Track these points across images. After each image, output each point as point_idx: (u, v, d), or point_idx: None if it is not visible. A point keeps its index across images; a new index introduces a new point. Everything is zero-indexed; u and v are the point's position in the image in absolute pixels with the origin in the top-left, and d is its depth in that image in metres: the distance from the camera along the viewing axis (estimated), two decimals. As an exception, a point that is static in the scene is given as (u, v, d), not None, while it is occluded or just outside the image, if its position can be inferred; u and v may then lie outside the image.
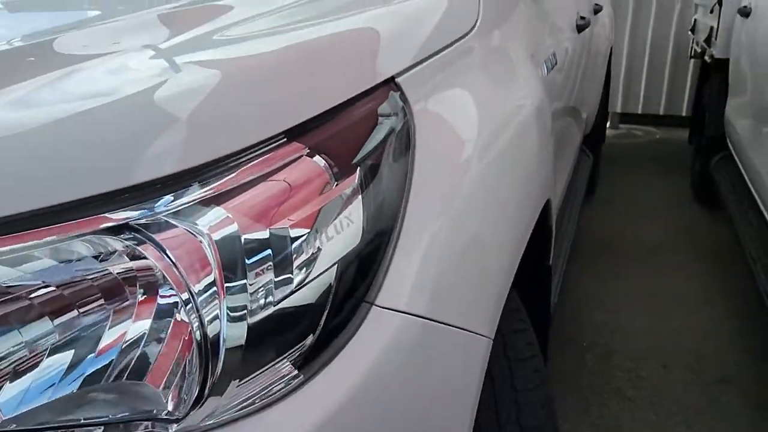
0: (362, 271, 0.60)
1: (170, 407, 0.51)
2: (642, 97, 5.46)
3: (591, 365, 2.17)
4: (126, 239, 0.50)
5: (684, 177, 4.05)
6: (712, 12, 3.45)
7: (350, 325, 0.59)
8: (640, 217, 3.52)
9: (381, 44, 0.74)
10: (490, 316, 0.78)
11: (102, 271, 0.49)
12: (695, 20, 4.35)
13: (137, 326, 0.51)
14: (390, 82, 0.72)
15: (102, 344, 0.51)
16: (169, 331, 0.51)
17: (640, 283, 2.74)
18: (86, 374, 0.51)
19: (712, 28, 3.49)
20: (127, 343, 0.51)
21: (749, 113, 2.69)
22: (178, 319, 0.51)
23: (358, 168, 0.62)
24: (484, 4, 1.08)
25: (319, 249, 0.56)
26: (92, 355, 0.51)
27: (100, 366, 0.51)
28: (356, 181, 0.61)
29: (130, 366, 0.50)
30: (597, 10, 2.95)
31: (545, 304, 1.52)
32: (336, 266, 0.57)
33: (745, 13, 2.90)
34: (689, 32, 4.56)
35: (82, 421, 0.51)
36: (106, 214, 0.49)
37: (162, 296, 0.51)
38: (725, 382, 2.07)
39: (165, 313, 0.51)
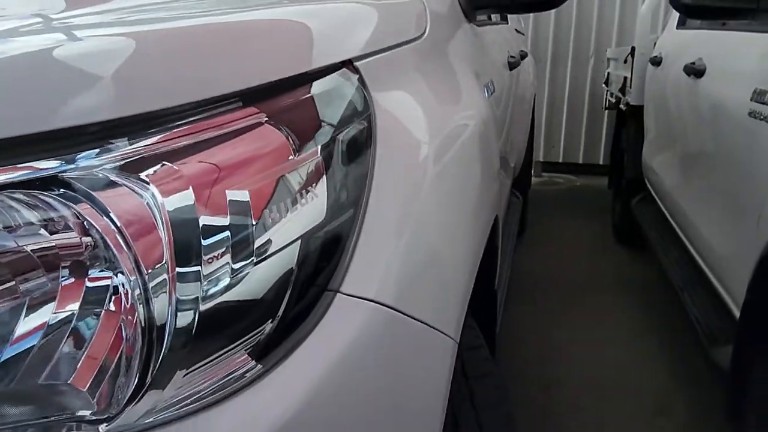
0: (326, 253, 0.54)
1: (99, 405, 0.42)
2: (562, 147, 5.71)
3: (535, 397, 2.14)
4: (56, 196, 0.41)
5: (605, 220, 4.22)
6: (626, 62, 3.67)
7: (313, 313, 0.52)
8: (568, 257, 3.60)
9: (340, 27, 0.71)
10: (455, 317, 0.72)
11: (22, 235, 0.41)
12: (608, 73, 4.63)
13: (64, 308, 0.43)
14: (349, 64, 0.68)
15: (17, 332, 0.42)
16: (103, 314, 0.43)
17: (576, 318, 2.77)
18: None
19: (626, 78, 3.71)
20: (52, 329, 0.42)
21: (664, 154, 2.84)
22: (118, 300, 0.43)
23: (321, 143, 0.56)
24: (431, 16, 1.08)
25: (280, 222, 0.50)
26: (5, 345, 0.42)
27: (14, 357, 0.42)
28: (319, 155, 0.55)
29: (56, 356, 0.42)
30: (523, 56, 3.07)
31: (492, 330, 1.48)
32: (299, 243, 0.51)
33: (656, 62, 3.10)
34: (603, 85, 4.84)
35: None
36: (31, 163, 0.41)
37: (96, 274, 0.43)
38: (662, 415, 2.08)
39: (98, 292, 0.43)
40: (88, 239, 0.43)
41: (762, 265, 1.36)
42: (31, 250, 0.42)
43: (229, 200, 0.47)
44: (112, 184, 0.43)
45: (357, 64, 0.69)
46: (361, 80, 0.68)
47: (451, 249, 0.75)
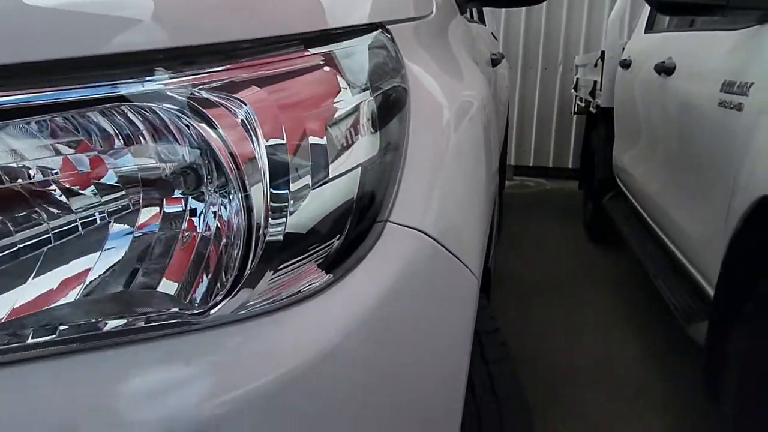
0: (379, 184, 0.60)
1: (198, 299, 0.47)
2: (533, 150, 5.87)
3: (517, 384, 2.21)
4: (168, 110, 0.46)
5: (575, 221, 4.35)
6: (596, 66, 3.82)
7: (370, 236, 0.58)
8: (542, 256, 3.71)
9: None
10: (478, 257, 0.79)
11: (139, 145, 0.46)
12: (577, 79, 4.79)
13: (177, 218, 0.48)
14: (381, 27, 0.74)
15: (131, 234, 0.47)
16: (211, 223, 0.48)
17: (552, 312, 2.87)
18: (106, 272, 0.46)
19: (595, 82, 3.86)
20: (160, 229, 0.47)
21: (634, 151, 2.97)
22: (219, 209, 0.48)
23: (370, 88, 0.62)
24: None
25: (346, 151, 0.55)
26: (119, 246, 0.46)
27: (124, 260, 0.47)
28: (371, 96, 0.61)
29: (173, 251, 0.47)
30: (502, 56, 3.18)
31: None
32: (359, 170, 0.57)
33: (625, 65, 3.24)
34: (572, 90, 5.00)
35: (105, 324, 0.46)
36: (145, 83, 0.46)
37: (205, 182, 0.48)
38: (642, 396, 2.17)
39: (205, 204, 0.49)
40: (197, 153, 0.48)
41: (736, 238, 1.46)
42: (143, 166, 0.47)
43: (307, 127, 0.52)
44: (214, 103, 0.48)
45: (389, 27, 0.75)
46: (393, 41, 0.74)
47: (467, 191, 0.81)
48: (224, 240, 0.48)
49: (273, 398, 0.46)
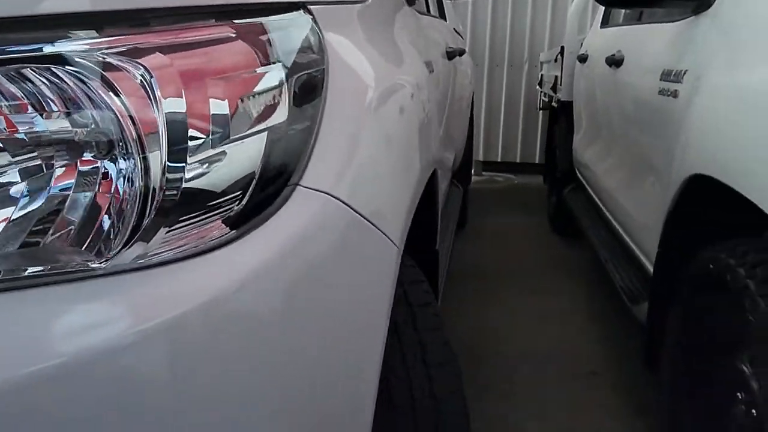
0: (288, 150, 0.64)
1: (103, 249, 0.51)
2: (500, 146, 5.95)
3: (473, 372, 2.26)
4: (71, 71, 0.50)
5: (541, 214, 4.44)
6: (556, 61, 3.91)
7: (279, 198, 0.62)
8: (507, 247, 3.78)
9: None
10: (399, 228, 0.83)
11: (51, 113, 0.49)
12: (541, 75, 4.89)
13: (72, 176, 0.51)
14: (303, 7, 0.78)
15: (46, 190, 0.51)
16: (102, 179, 0.52)
17: (514, 300, 2.93)
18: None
19: (556, 77, 3.94)
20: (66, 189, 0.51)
21: (590, 143, 3.06)
22: (116, 171, 0.52)
23: (281, 62, 0.66)
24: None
25: (249, 115, 0.59)
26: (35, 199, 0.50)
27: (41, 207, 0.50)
28: (281, 69, 0.65)
29: (83, 204, 0.50)
30: (461, 52, 3.24)
31: (435, 290, 1.59)
32: (265, 135, 0.61)
33: (582, 59, 3.32)
34: (537, 86, 5.09)
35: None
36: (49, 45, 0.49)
37: (100, 150, 0.52)
38: (595, 375, 2.25)
39: (95, 167, 0.52)
40: (87, 118, 0.51)
41: (670, 218, 1.53)
42: (53, 130, 0.51)
43: (209, 94, 0.56)
44: (116, 67, 0.51)
45: (311, 8, 0.79)
46: (315, 20, 0.78)
47: (390, 165, 0.86)
48: (124, 198, 0.51)
49: (166, 337, 0.50)
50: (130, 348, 0.48)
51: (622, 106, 2.32)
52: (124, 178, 0.52)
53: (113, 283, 0.51)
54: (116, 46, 0.52)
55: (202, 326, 0.52)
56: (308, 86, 0.70)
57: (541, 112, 5.40)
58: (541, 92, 4.83)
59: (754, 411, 1.15)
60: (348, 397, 0.72)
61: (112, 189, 0.52)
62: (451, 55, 2.42)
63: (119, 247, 0.52)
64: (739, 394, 1.21)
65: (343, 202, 0.68)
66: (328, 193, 0.66)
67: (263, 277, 0.56)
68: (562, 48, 3.77)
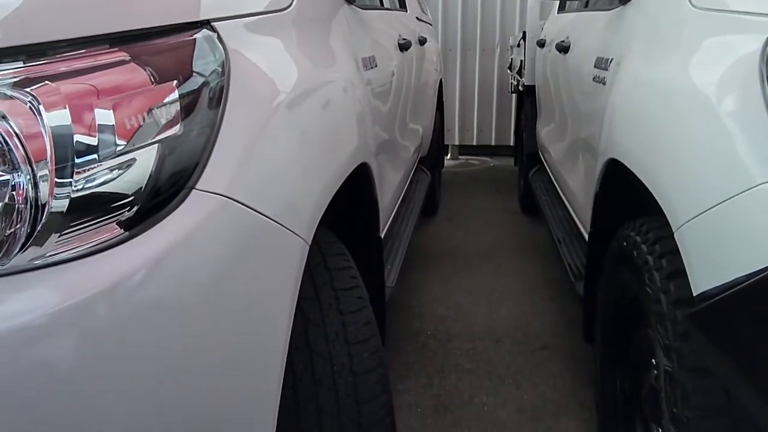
0: (182, 158, 0.73)
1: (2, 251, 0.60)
2: (475, 130, 6.04)
3: (433, 349, 2.37)
4: None
5: (512, 195, 4.55)
6: (519, 46, 3.98)
7: (173, 202, 0.71)
8: (476, 229, 3.89)
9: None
10: (306, 221, 0.92)
11: None
12: (512, 59, 4.96)
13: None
14: (206, 25, 0.86)
15: None
16: (6, 195, 0.60)
17: (477, 281, 3.04)
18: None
19: (521, 61, 4.02)
20: None
21: (548, 125, 3.15)
22: (13, 185, 0.61)
23: (177, 79, 0.75)
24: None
25: (140, 131, 0.68)
26: None
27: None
28: (175, 87, 0.73)
29: None
30: (422, 41, 3.31)
31: (380, 278, 1.68)
32: (156, 147, 0.69)
33: (541, 44, 3.41)
34: (508, 69, 5.17)
35: None
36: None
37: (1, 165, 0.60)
38: (546, 349, 2.36)
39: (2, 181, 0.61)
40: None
41: (596, 199, 1.63)
42: None
43: (96, 112, 0.64)
44: (7, 96, 0.60)
45: (215, 24, 0.87)
46: (219, 37, 0.86)
47: (300, 164, 0.94)
48: (18, 207, 0.60)
49: (66, 323, 0.59)
50: (32, 332, 0.58)
51: (568, 91, 2.41)
52: (19, 190, 0.60)
53: (12, 281, 0.59)
54: (12, 78, 0.60)
55: (93, 315, 0.61)
56: (205, 98, 0.78)
57: (513, 95, 5.47)
58: (512, 75, 4.91)
59: (660, 375, 1.25)
60: (249, 386, 0.81)
61: (6, 199, 0.60)
62: (405, 46, 2.49)
63: (16, 251, 0.61)
64: (652, 360, 1.32)
65: (240, 202, 0.77)
66: (223, 195, 0.75)
67: (153, 269, 0.65)
68: (524, 33, 3.84)
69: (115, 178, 0.65)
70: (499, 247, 3.54)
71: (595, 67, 1.88)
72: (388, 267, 2.02)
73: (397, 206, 2.52)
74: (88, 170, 0.63)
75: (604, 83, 1.75)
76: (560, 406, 1.99)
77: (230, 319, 0.76)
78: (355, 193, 1.41)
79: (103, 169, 0.64)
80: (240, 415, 0.78)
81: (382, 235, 1.72)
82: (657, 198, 1.14)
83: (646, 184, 1.19)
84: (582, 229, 2.15)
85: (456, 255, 3.41)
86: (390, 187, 2.11)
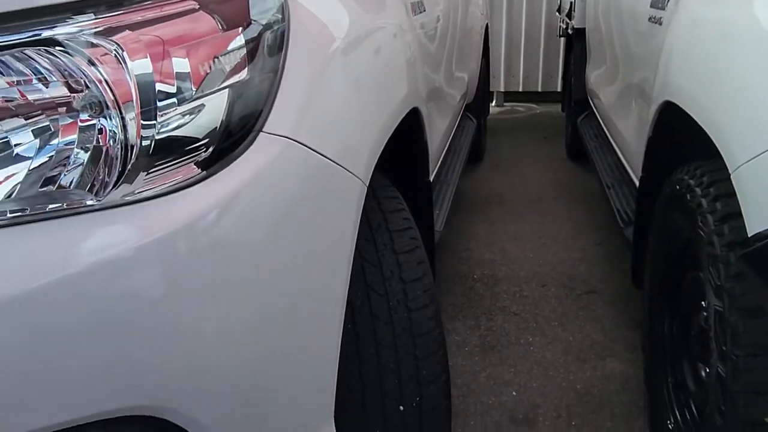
0: (250, 102, 0.77)
1: (98, 191, 0.66)
2: (521, 76, 5.90)
3: (480, 292, 2.42)
4: (61, 53, 0.63)
5: (559, 142, 4.48)
6: (569, -14, 3.85)
7: (242, 145, 0.75)
8: (522, 176, 3.87)
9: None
10: (364, 162, 0.96)
11: (47, 82, 0.63)
12: (560, 1, 4.79)
13: (68, 135, 0.65)
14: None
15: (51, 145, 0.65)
16: (97, 136, 0.66)
17: (523, 226, 3.05)
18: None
19: (571, 3, 3.89)
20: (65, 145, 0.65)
21: (598, 69, 3.07)
22: (106, 127, 0.66)
23: (242, 25, 0.78)
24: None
25: (211, 75, 0.72)
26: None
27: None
28: (241, 33, 0.77)
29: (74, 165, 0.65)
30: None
31: (429, 222, 1.72)
32: (227, 92, 0.73)
33: (594, -16, 3.28)
34: (556, 12, 5.00)
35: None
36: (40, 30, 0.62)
37: (88, 113, 0.65)
38: (593, 293, 2.38)
39: (91, 125, 0.66)
40: (81, 86, 0.65)
41: (650, 143, 1.61)
42: (55, 96, 0.64)
43: (173, 59, 0.68)
44: (94, 45, 0.64)
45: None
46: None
47: (356, 108, 0.97)
48: (111, 149, 0.66)
49: (151, 256, 0.65)
50: (124, 262, 0.64)
51: (621, 33, 2.34)
52: (110, 133, 0.65)
53: (108, 216, 0.65)
54: (94, 28, 0.65)
55: (179, 247, 0.66)
56: (269, 44, 0.81)
57: (561, 39, 5.31)
58: (561, 18, 4.76)
59: (710, 316, 1.27)
60: (313, 321, 0.86)
61: (101, 142, 0.66)
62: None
63: (110, 188, 0.66)
64: (702, 302, 1.33)
65: (303, 144, 0.81)
66: (288, 137, 0.79)
67: (229, 206, 0.70)
68: (575, -28, 3.70)
69: (191, 121, 0.70)
70: (546, 193, 3.53)
71: (651, 6, 1.82)
72: (436, 211, 2.05)
73: (444, 152, 2.54)
74: (169, 114, 0.68)
75: (660, 23, 1.70)
76: (606, 348, 2.03)
77: (296, 254, 0.81)
78: (406, 138, 1.44)
79: (181, 113, 0.69)
80: (307, 341, 0.84)
81: (431, 180, 1.75)
82: (714, 140, 1.13)
83: (702, 126, 1.17)
84: (632, 175, 2.13)
85: (502, 201, 3.42)
86: (438, 133, 2.13)
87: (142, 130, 0.66)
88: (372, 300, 1.09)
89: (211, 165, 0.72)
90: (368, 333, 1.07)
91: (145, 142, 0.67)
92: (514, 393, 1.83)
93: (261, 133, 0.77)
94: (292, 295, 0.80)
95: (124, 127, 0.66)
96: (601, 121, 3.02)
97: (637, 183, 2.07)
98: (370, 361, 1.06)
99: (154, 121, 0.67)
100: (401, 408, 1.07)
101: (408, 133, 1.45)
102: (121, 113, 0.65)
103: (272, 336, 0.78)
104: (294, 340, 0.82)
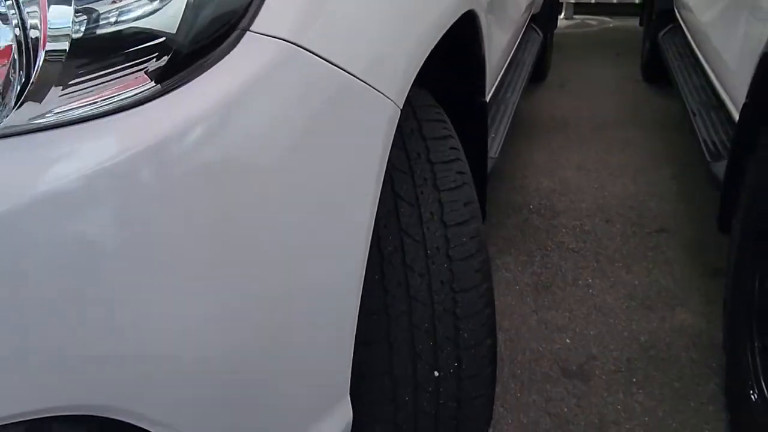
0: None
1: None
2: (596, -15, 5.36)
3: (536, 225, 2.21)
4: None
5: (634, 60, 4.06)
6: None
7: (220, 47, 0.55)
8: (590, 98, 3.52)
9: None
10: (397, 78, 0.75)
11: None
12: None
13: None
14: None
15: None
16: None
17: (588, 154, 2.77)
18: None
19: None
20: None
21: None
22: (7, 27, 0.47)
23: None
24: None
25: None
26: None
27: None
28: None
29: None
30: None
31: (482, 147, 1.50)
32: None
33: None
34: None
35: None
36: None
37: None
38: (663, 232, 2.13)
39: None
40: None
41: (761, 63, 1.32)
42: None
43: None
44: None
45: None
46: None
47: (389, 7, 0.75)
48: (7, 59, 0.47)
49: (75, 194, 0.47)
50: (26, 212, 0.47)
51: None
52: (9, 38, 0.46)
53: (6, 146, 0.48)
54: None
55: (116, 189, 0.49)
56: None
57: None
58: None
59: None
60: (327, 265, 0.69)
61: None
62: None
63: (9, 107, 0.48)
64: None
65: (310, 51, 0.60)
66: (288, 40, 0.58)
67: (192, 133, 0.51)
68: None
69: (136, 13, 0.50)
70: (615, 118, 3.19)
71: None
72: (491, 135, 1.83)
73: (504, 68, 2.26)
74: (90, 9, 0.48)
75: None
76: (676, 297, 1.80)
77: (301, 190, 0.62)
78: (458, 49, 1.21)
79: (115, 7, 0.49)
80: (319, 291, 0.67)
81: (487, 100, 1.51)
82: None
83: None
84: (728, 101, 1.82)
85: (566, 125, 3.11)
86: (498, 45, 1.86)
87: (51, 21, 0.47)
88: (406, 247, 0.90)
89: (170, 75, 0.52)
90: (399, 286, 0.89)
91: (57, 43, 0.48)
92: (567, 341, 1.65)
93: (248, 33, 0.57)
94: (289, 253, 0.63)
95: (21, 16, 0.46)
96: (689, 36, 2.65)
97: (734, 110, 1.77)
98: (399, 319, 0.89)
99: (70, 7, 0.47)
100: (436, 373, 0.90)
101: (461, 43, 1.21)
102: (18, 8, 0.46)
103: (266, 308, 0.61)
104: (296, 311, 0.65)
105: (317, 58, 0.62)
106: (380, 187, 0.75)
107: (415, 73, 0.81)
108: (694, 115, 2.15)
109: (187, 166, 0.51)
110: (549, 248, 2.06)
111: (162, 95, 0.52)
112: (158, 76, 0.52)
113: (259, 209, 0.58)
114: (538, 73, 3.63)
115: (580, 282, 1.89)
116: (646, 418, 1.39)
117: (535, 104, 3.41)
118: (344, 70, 0.65)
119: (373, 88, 0.70)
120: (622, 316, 1.73)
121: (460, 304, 0.91)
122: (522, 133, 2.97)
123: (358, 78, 0.67)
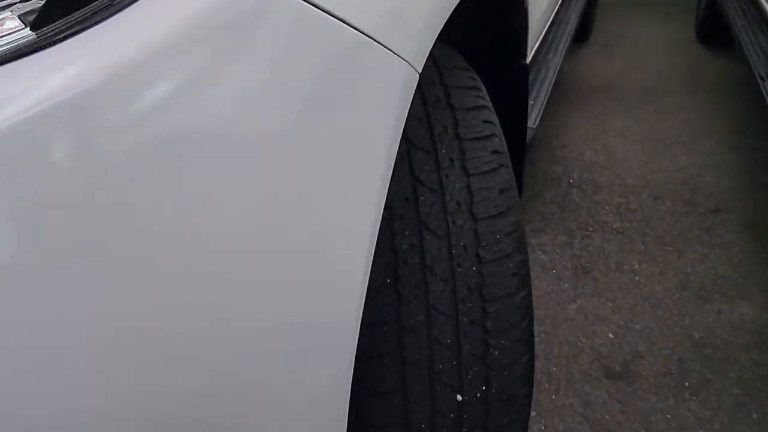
0: None
1: None
2: (646, -64, 4.97)
3: (576, 201, 2.02)
4: None
5: (687, 21, 3.74)
6: None
7: None
8: (638, 60, 3.25)
9: None
10: (415, 37, 0.57)
11: None
12: None
13: None
14: None
15: None
16: None
17: (636, 122, 2.54)
18: None
19: None
20: None
21: None
22: None
23: None
24: None
25: None
26: None
27: None
28: None
29: None
30: None
31: (522, 116, 1.32)
32: None
33: None
34: None
35: None
36: None
37: None
38: (719, 212, 1.92)
39: None
40: None
41: None
42: None
43: None
44: None
45: None
46: None
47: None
48: None
49: None
50: None
51: None
52: None
53: None
54: None
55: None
56: None
57: None
58: None
59: None
60: (327, 264, 0.53)
61: None
62: None
63: None
64: None
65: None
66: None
67: (92, 99, 0.35)
68: None
69: None
70: (666, 83, 2.93)
71: None
72: (530, 102, 1.63)
73: (546, 27, 2.04)
74: None
75: None
76: (735, 286, 1.61)
77: (284, 173, 0.46)
78: (496, 4, 1.02)
79: None
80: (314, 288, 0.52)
81: (528, 63, 1.32)
82: None
83: None
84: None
85: (611, 90, 2.87)
86: (541, 1, 1.65)
87: None
88: (425, 244, 0.74)
89: (47, 23, 0.36)
90: (416, 291, 0.73)
91: None
92: (610, 335, 1.48)
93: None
94: (263, 251, 0.47)
95: None
96: (756, -8, 2.37)
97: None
98: (416, 331, 0.73)
99: None
100: (459, 397, 0.75)
101: None
102: None
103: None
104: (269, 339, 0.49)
105: (309, 5, 0.45)
106: (391, 168, 0.59)
107: (438, 29, 0.63)
108: (762, 79, 1.92)
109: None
110: (590, 228, 1.88)
111: (44, 47, 0.36)
112: (35, 22, 0.36)
113: (226, 198, 0.42)
114: (581, 33, 3.36)
115: (624, 267, 1.70)
116: (701, 431, 1.22)
117: (576, 67, 3.17)
118: (344, 22, 0.48)
119: (382, 45, 0.53)
120: (673, 308, 1.55)
121: (491, 316, 0.74)
122: (562, 98, 2.75)
123: (364, 33, 0.50)
